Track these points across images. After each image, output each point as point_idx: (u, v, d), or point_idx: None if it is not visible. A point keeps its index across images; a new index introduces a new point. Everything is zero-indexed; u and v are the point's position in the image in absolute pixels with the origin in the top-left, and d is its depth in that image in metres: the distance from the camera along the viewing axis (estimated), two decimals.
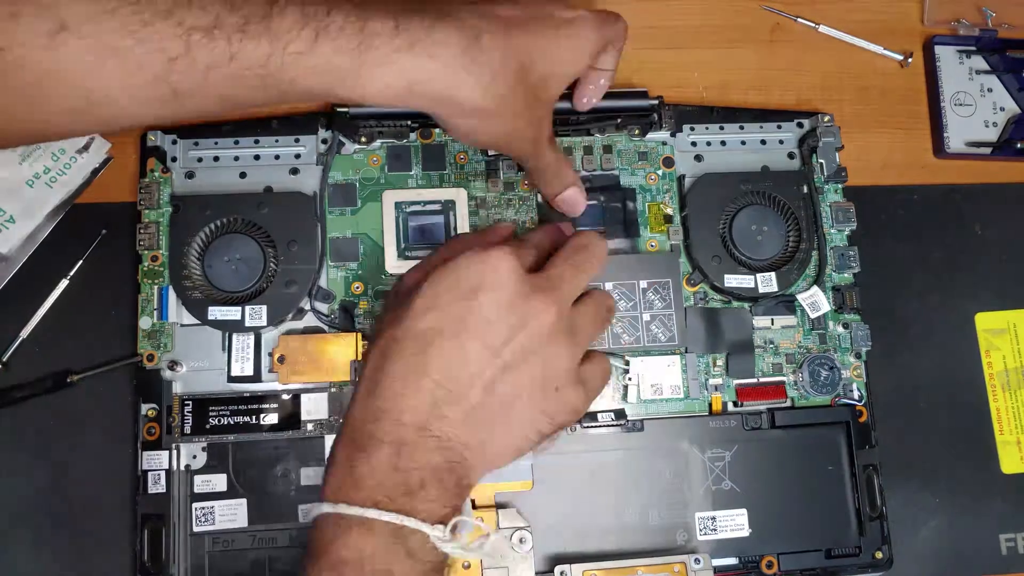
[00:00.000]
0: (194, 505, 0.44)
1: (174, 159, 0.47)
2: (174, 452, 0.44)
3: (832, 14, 0.55)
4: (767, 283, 0.48)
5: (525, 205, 0.48)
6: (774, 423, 0.47)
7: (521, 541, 0.43)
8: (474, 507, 0.43)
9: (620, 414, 0.46)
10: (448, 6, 0.36)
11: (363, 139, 0.48)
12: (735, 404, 0.47)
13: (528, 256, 0.38)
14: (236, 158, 0.48)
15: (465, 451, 0.34)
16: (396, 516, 0.32)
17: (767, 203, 0.49)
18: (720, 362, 0.48)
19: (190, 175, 0.47)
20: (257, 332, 0.46)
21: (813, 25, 0.55)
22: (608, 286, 0.46)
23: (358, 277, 0.47)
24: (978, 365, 0.51)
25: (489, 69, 0.36)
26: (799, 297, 0.48)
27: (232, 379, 0.45)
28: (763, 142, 0.51)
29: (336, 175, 0.48)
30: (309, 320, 0.46)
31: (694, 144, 0.50)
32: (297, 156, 0.48)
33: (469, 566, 0.42)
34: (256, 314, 0.45)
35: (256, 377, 0.46)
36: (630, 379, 0.47)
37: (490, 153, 0.49)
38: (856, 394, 0.48)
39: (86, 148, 0.49)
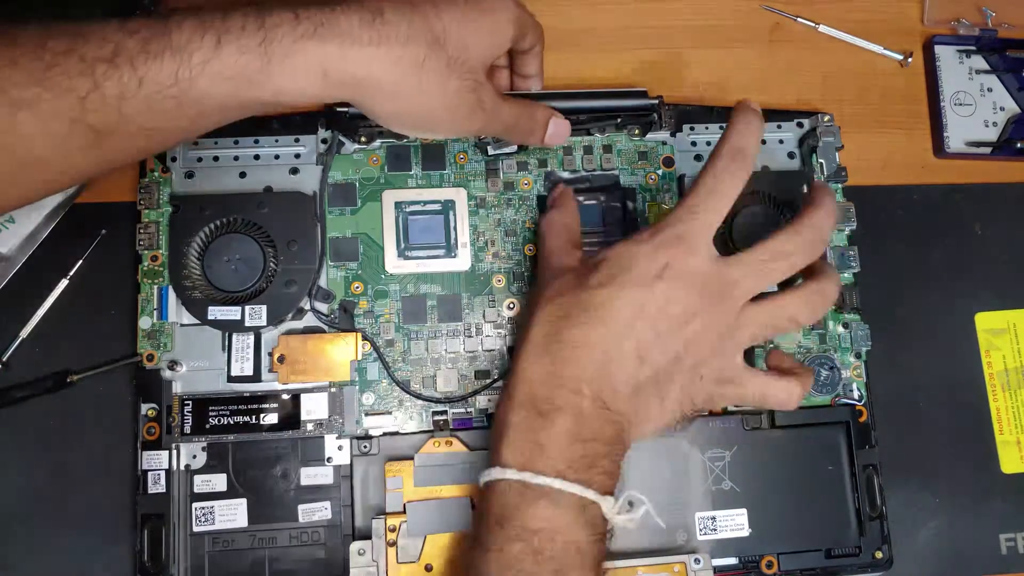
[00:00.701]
0: (194, 505, 0.44)
1: (174, 159, 0.47)
2: (174, 452, 0.44)
3: (832, 14, 0.55)
4: None
5: (525, 205, 0.48)
6: (774, 423, 0.47)
7: None
8: (474, 507, 0.43)
9: None
10: None
11: (363, 139, 0.48)
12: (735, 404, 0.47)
13: (710, 245, 0.37)
14: (236, 158, 0.48)
15: (628, 425, 0.35)
16: (580, 488, 0.33)
17: (767, 203, 0.49)
18: None
19: (190, 175, 0.47)
20: (257, 332, 0.46)
21: (813, 25, 0.55)
22: None
23: (358, 277, 0.47)
24: (978, 365, 0.51)
25: (397, 42, 0.35)
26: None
27: (232, 379, 0.45)
28: (763, 142, 0.51)
29: (336, 175, 0.48)
30: (309, 320, 0.46)
31: (694, 144, 0.50)
32: (297, 156, 0.48)
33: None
34: (256, 314, 0.45)
35: (256, 377, 0.46)
36: None
37: (490, 152, 0.49)
38: (856, 394, 0.48)
39: None
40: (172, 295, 0.45)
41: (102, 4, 0.50)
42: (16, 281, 0.47)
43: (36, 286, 0.47)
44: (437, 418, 0.45)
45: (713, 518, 0.46)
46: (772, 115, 0.51)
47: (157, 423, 0.44)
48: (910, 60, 0.55)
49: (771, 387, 0.38)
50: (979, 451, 0.50)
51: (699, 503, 0.46)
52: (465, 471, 0.44)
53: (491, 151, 0.49)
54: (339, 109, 0.46)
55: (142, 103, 0.32)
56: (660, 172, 0.50)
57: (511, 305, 0.47)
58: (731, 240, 0.48)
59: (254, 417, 0.45)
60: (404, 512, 0.43)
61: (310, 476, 0.45)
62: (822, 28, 0.55)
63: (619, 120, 0.49)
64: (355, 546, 0.43)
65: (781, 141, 0.51)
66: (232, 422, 0.45)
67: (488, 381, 0.46)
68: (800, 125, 0.51)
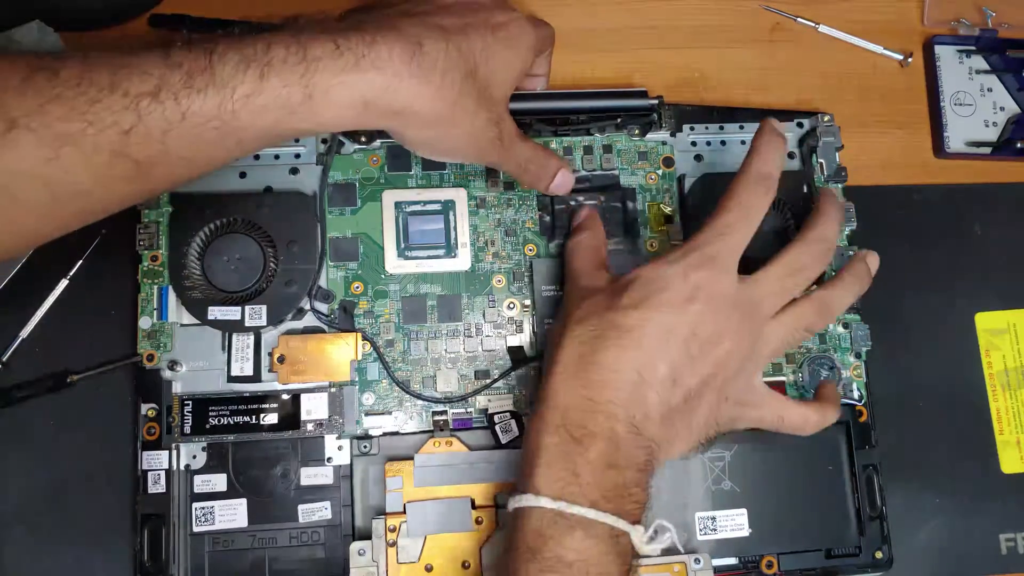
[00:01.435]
0: (194, 505, 0.44)
1: None
2: (174, 452, 0.44)
3: (832, 14, 0.55)
4: None
5: (525, 205, 0.48)
6: None
7: None
8: (474, 507, 0.43)
9: None
10: (385, 19, 0.36)
11: (363, 139, 0.48)
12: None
13: (734, 266, 0.38)
14: (236, 158, 0.48)
15: (657, 450, 0.35)
16: (614, 519, 0.33)
17: None
18: None
19: None
20: (257, 332, 0.46)
21: (813, 25, 0.55)
22: None
23: (358, 277, 0.47)
24: (978, 365, 0.51)
25: (437, 73, 0.36)
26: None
27: (232, 379, 0.45)
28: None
29: (336, 175, 0.48)
30: (309, 320, 0.46)
31: (694, 144, 0.50)
32: (297, 156, 0.48)
33: (469, 566, 0.42)
34: (256, 314, 0.45)
35: (256, 377, 0.46)
36: None
37: None
38: (856, 394, 0.48)
39: None
40: (172, 295, 0.45)
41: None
42: (16, 281, 0.47)
43: (36, 286, 0.47)
44: (437, 418, 0.45)
45: (713, 518, 0.46)
46: (772, 115, 0.51)
47: (157, 423, 0.44)
48: (910, 60, 0.55)
49: (789, 411, 0.40)
50: (979, 451, 0.50)
51: (699, 503, 0.46)
52: (465, 471, 0.44)
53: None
54: None
55: (185, 135, 0.33)
56: (660, 172, 0.50)
57: (511, 305, 0.47)
58: None
59: (254, 417, 0.45)
60: (404, 512, 0.43)
61: (310, 476, 0.45)
62: (822, 28, 0.55)
63: (619, 120, 0.49)
64: (355, 546, 0.43)
65: None
66: (232, 422, 0.45)
67: (488, 381, 0.46)
68: (800, 125, 0.51)
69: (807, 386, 0.47)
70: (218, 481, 0.44)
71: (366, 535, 0.43)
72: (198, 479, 0.44)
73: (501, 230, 0.48)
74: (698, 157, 0.50)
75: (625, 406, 0.34)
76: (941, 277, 0.52)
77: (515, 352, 0.47)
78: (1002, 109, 0.54)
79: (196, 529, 0.44)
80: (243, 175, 0.47)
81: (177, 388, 0.45)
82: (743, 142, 0.51)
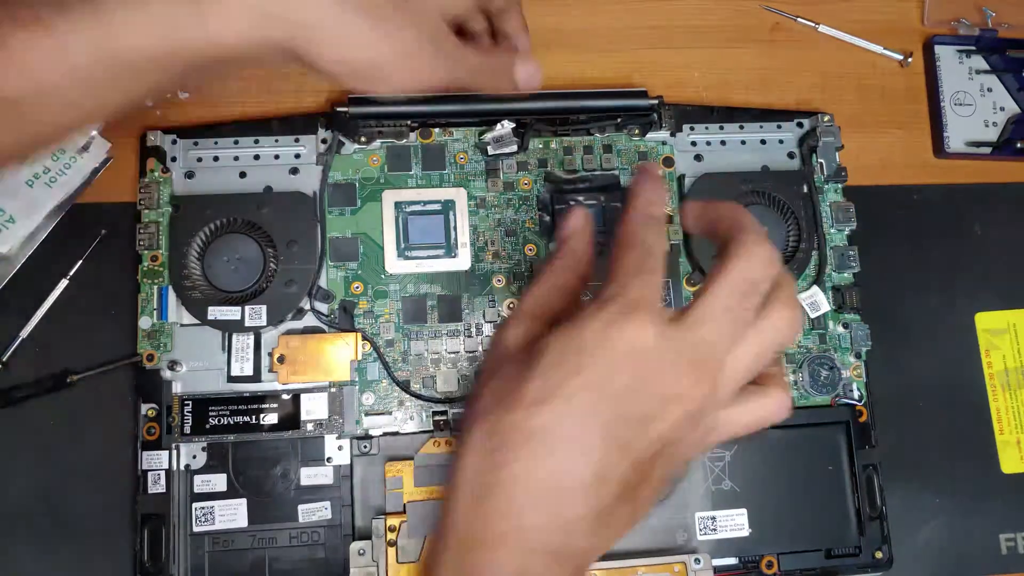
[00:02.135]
0: (194, 505, 0.44)
1: (174, 159, 0.47)
2: (174, 452, 0.44)
3: (832, 14, 0.55)
4: None
5: (525, 205, 0.48)
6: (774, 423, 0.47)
7: None
8: None
9: None
10: None
11: (363, 139, 0.48)
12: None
13: (664, 308, 0.29)
14: (236, 158, 0.48)
15: (594, 552, 0.29)
16: None
17: (767, 203, 0.49)
18: None
19: (190, 175, 0.47)
20: (257, 332, 0.46)
21: (813, 25, 0.55)
22: None
23: (358, 277, 0.47)
24: (978, 365, 0.51)
25: None
26: (799, 297, 0.48)
27: (232, 379, 0.45)
28: (763, 142, 0.51)
29: (336, 175, 0.48)
30: (309, 320, 0.46)
31: (694, 144, 0.50)
32: (297, 156, 0.48)
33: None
34: (256, 314, 0.45)
35: (256, 377, 0.46)
36: None
37: (490, 152, 0.49)
38: (856, 394, 0.48)
39: (86, 148, 0.49)
40: (172, 295, 0.45)
41: None
42: (16, 281, 0.47)
43: (36, 286, 0.47)
44: (437, 418, 0.45)
45: (713, 518, 0.46)
46: (772, 115, 0.51)
47: (157, 423, 0.44)
48: (910, 60, 0.55)
49: (763, 408, 0.31)
50: (979, 451, 0.50)
51: (699, 503, 0.46)
52: None
53: (491, 151, 0.49)
54: (339, 109, 0.46)
55: (59, 67, 0.29)
56: (660, 172, 0.50)
57: (511, 305, 0.47)
58: None
59: (254, 417, 0.45)
60: (404, 512, 0.43)
61: (310, 476, 0.45)
62: (822, 28, 0.55)
63: (619, 120, 0.49)
64: (355, 546, 0.43)
65: (781, 141, 0.51)
66: (232, 422, 0.45)
67: None
68: (800, 125, 0.51)
69: (807, 386, 0.47)
70: (218, 481, 0.44)
71: (366, 535, 0.43)
72: (198, 479, 0.44)
73: (501, 230, 0.48)
74: (698, 157, 0.50)
75: (540, 531, 0.27)
76: (941, 277, 0.52)
77: None
78: (1002, 109, 0.54)
79: (196, 529, 0.44)
80: (243, 175, 0.47)
81: (177, 388, 0.45)
82: (743, 142, 0.51)
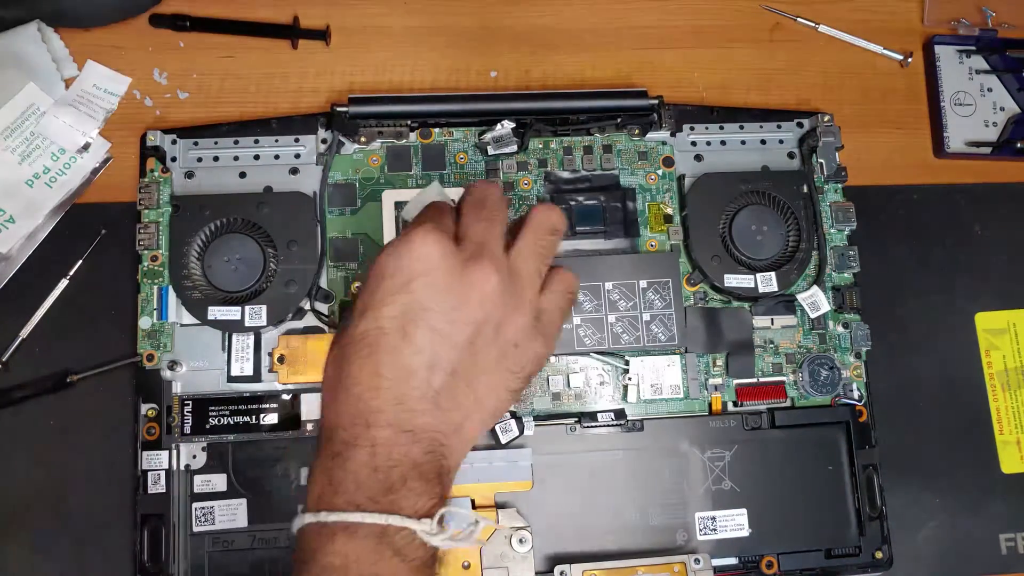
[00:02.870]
0: (194, 505, 0.44)
1: (174, 159, 0.47)
2: (174, 452, 0.44)
3: (832, 14, 0.55)
4: (767, 283, 0.48)
5: (525, 205, 0.48)
6: (774, 423, 0.47)
7: (521, 541, 0.43)
8: (474, 507, 0.43)
9: (620, 414, 0.46)
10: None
11: (363, 139, 0.48)
12: (735, 404, 0.47)
13: (449, 222, 0.35)
14: (236, 158, 0.48)
15: (441, 437, 0.33)
16: (378, 516, 0.31)
17: (767, 203, 0.49)
18: (720, 362, 0.48)
19: (190, 175, 0.47)
20: (257, 332, 0.46)
21: (813, 25, 0.55)
22: (608, 286, 0.46)
23: (358, 277, 0.47)
24: (978, 365, 0.51)
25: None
26: (799, 297, 0.48)
27: (232, 379, 0.45)
28: (763, 142, 0.51)
29: (336, 175, 0.48)
30: (309, 320, 0.46)
31: (694, 144, 0.50)
32: (297, 156, 0.48)
33: (469, 566, 0.42)
34: (256, 314, 0.45)
35: (256, 377, 0.46)
36: (630, 379, 0.47)
37: (490, 152, 0.49)
38: (856, 394, 0.48)
39: (86, 148, 0.49)
40: (172, 295, 0.45)
41: None
42: (16, 281, 0.47)
43: (36, 286, 0.47)
44: None
45: (713, 518, 0.46)
46: (772, 115, 0.51)
47: (157, 423, 0.44)
48: (910, 60, 0.55)
49: (559, 281, 0.37)
50: (979, 451, 0.50)
51: (699, 503, 0.46)
52: (465, 471, 0.44)
53: (491, 151, 0.49)
54: (339, 109, 0.46)
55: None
56: (660, 172, 0.50)
57: None
58: (731, 240, 0.48)
59: (254, 417, 0.45)
60: None
61: None
62: (822, 28, 0.55)
63: (619, 120, 0.49)
64: None
65: (781, 141, 0.51)
66: (232, 422, 0.45)
67: None
68: (800, 125, 0.51)
69: (807, 386, 0.47)
70: (218, 481, 0.44)
71: None
72: (198, 479, 0.44)
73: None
74: (698, 157, 0.50)
75: (378, 412, 0.32)
76: (941, 277, 0.52)
77: None
78: (1002, 109, 0.54)
79: (196, 529, 0.44)
80: (243, 175, 0.47)
81: (177, 388, 0.45)
82: (743, 142, 0.51)
